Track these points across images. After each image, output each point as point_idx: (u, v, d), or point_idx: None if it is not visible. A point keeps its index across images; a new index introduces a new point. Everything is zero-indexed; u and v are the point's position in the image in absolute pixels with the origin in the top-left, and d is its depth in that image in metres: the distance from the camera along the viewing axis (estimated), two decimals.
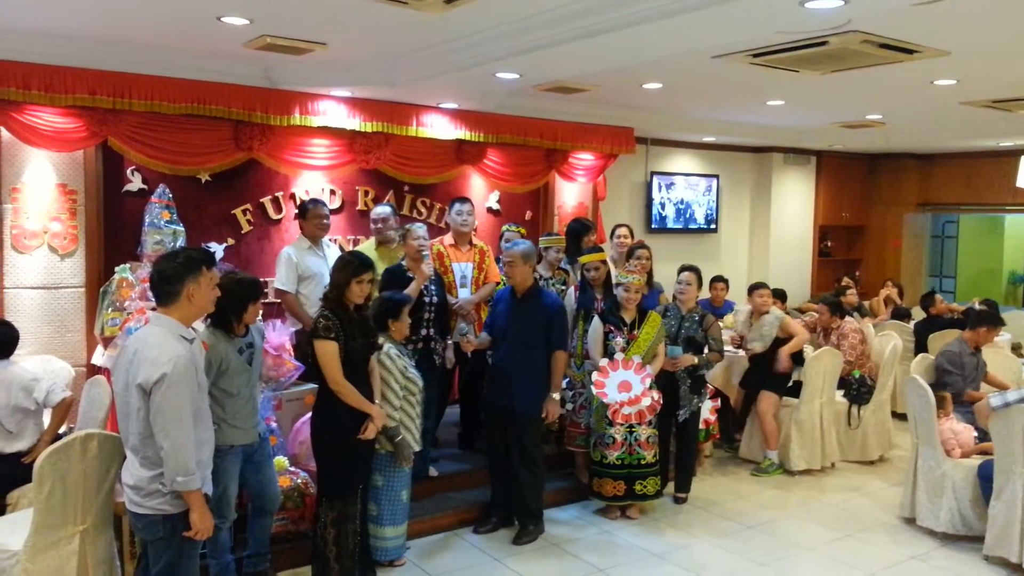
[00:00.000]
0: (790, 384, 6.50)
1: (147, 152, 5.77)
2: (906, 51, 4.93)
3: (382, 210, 5.87)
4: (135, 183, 5.95)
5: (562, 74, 5.81)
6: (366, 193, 7.00)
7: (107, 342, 5.12)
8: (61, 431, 4.51)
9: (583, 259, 5.74)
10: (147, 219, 5.45)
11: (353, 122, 6.50)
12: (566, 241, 6.22)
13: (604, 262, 5.72)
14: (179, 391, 3.02)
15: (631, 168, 8.98)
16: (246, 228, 6.44)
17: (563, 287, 5.93)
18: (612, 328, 5.34)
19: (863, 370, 6.79)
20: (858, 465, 6.70)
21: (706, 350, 5.68)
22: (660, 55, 4.97)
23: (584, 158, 8.02)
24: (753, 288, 6.56)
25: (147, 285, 5.17)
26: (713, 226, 9.85)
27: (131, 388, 3.05)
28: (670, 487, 5.84)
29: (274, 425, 4.77)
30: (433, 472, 5.50)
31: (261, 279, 4.47)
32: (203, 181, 6.19)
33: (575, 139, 7.76)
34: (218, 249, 6.14)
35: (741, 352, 6.85)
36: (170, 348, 3.04)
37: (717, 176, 9.82)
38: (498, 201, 7.81)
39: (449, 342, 5.50)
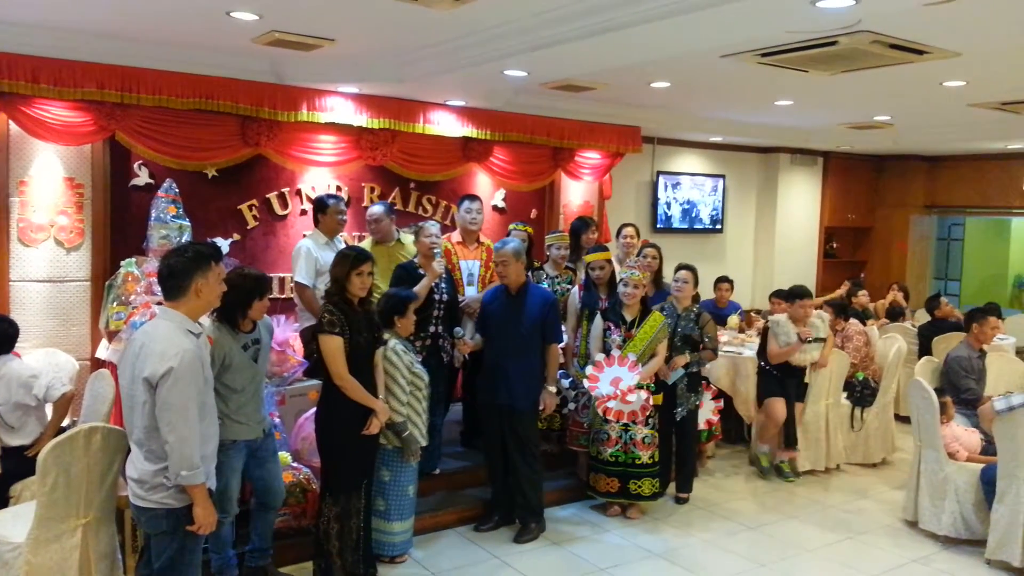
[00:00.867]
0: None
1: (154, 147, 5.78)
2: (916, 52, 4.91)
3: (376, 209, 5.83)
4: (142, 178, 5.96)
5: (570, 72, 5.81)
6: (372, 190, 7.00)
7: (112, 336, 5.13)
8: (64, 424, 4.52)
9: (587, 258, 5.74)
10: (153, 214, 5.46)
11: (360, 118, 6.50)
12: (569, 239, 6.22)
13: (609, 261, 5.72)
14: (185, 385, 3.03)
15: (637, 167, 8.97)
16: (252, 224, 6.44)
17: (569, 286, 5.93)
18: (611, 325, 5.34)
19: (867, 372, 6.78)
20: (861, 467, 6.70)
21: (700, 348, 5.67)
22: (669, 54, 4.96)
23: (590, 157, 8.02)
24: (795, 296, 6.26)
25: (153, 279, 5.19)
26: (719, 226, 9.83)
27: (137, 381, 3.06)
28: (672, 488, 5.83)
29: (277, 421, 4.78)
30: (436, 470, 5.50)
31: (268, 275, 4.47)
32: (209, 176, 6.20)
33: (582, 138, 7.75)
34: (224, 244, 6.19)
35: (746, 353, 6.84)
36: (177, 342, 3.05)
37: (723, 176, 9.80)
38: (504, 199, 7.81)
39: (456, 337, 5.50)
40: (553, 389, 5.11)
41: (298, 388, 5.13)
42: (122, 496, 3.91)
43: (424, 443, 4.60)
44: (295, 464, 4.72)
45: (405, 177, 7.08)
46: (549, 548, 4.96)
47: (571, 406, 5.64)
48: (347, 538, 4.17)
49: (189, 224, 5.52)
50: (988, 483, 4.90)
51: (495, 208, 7.78)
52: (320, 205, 5.76)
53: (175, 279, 3.17)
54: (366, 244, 5.82)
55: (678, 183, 9.40)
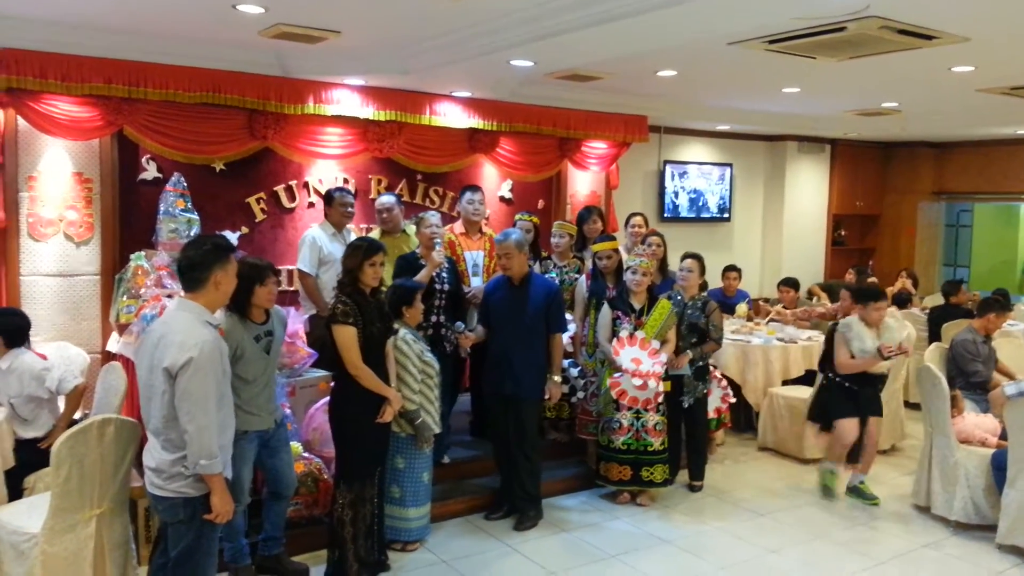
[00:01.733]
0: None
1: (162, 141, 5.80)
2: (925, 37, 4.88)
3: (386, 199, 5.87)
4: (150, 172, 5.98)
5: (577, 61, 5.80)
6: (379, 182, 7.01)
7: (122, 329, 5.16)
8: (76, 417, 4.55)
9: (594, 247, 5.74)
10: (162, 207, 5.49)
11: (367, 111, 6.51)
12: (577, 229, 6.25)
13: (616, 251, 5.72)
14: (205, 375, 3.07)
15: (644, 157, 8.95)
16: (260, 217, 6.47)
17: (577, 275, 5.93)
18: (620, 314, 5.35)
19: None
20: None
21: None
22: (676, 41, 4.95)
23: (597, 147, 8.01)
24: (867, 299, 5.59)
25: (162, 272, 5.23)
26: (726, 215, 9.82)
27: (156, 371, 3.09)
28: (684, 476, 5.85)
29: (288, 411, 4.80)
30: (445, 459, 5.53)
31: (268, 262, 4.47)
32: (217, 170, 6.22)
33: (588, 127, 7.74)
34: (232, 238, 6.20)
35: (755, 341, 6.83)
36: (197, 333, 3.10)
37: (730, 165, 9.78)
38: (511, 190, 7.80)
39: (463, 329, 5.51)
40: (558, 379, 5.12)
41: (308, 379, 5.15)
42: (135, 487, 3.96)
43: (438, 430, 4.64)
44: (307, 454, 4.74)
45: (412, 169, 7.09)
46: (559, 535, 4.99)
47: (580, 395, 5.65)
48: (360, 525, 4.20)
49: (198, 217, 5.55)
50: (999, 468, 4.89)
51: (502, 199, 7.78)
52: (327, 197, 5.93)
53: (195, 271, 3.22)
54: (374, 235, 5.85)
55: (685, 172, 9.39)
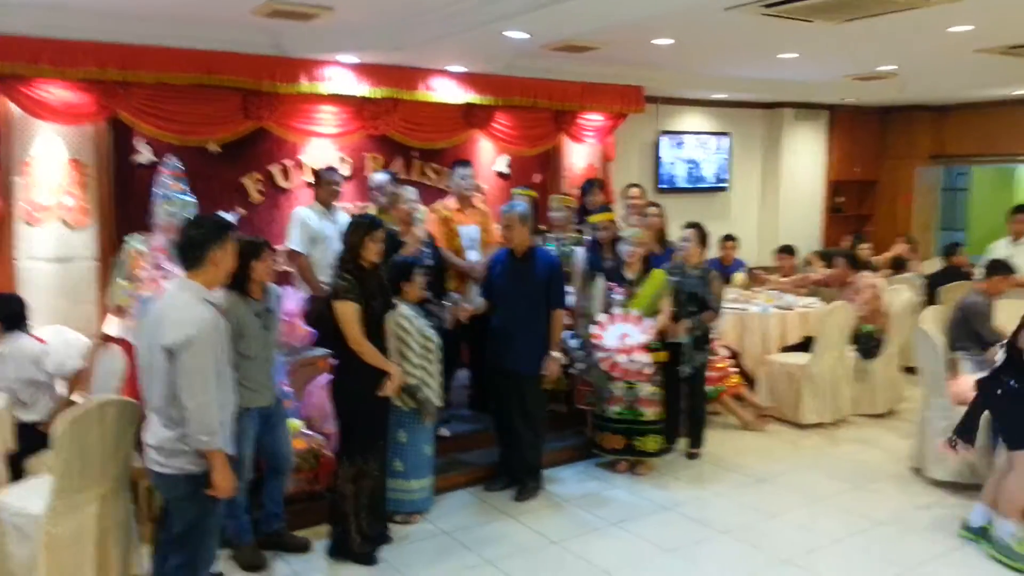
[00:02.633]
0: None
1: (156, 124, 5.81)
2: None
3: (380, 178, 5.88)
4: (145, 155, 5.98)
5: (572, 31, 5.74)
6: (375, 159, 7.00)
7: (120, 312, 5.18)
8: (73, 399, 4.60)
9: (591, 219, 5.74)
10: (158, 190, 5.49)
11: (361, 88, 6.50)
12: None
13: (613, 222, 5.72)
14: (204, 353, 3.11)
15: (640, 128, 8.91)
16: (256, 197, 6.48)
17: (576, 247, 5.94)
18: (613, 285, 5.36)
19: (875, 324, 6.77)
20: (868, 418, 6.73)
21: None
22: (672, 7, 4.92)
23: (593, 119, 7.98)
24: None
25: (160, 255, 5.24)
26: (724, 184, 9.79)
27: (155, 350, 3.13)
28: (682, 443, 5.89)
29: (287, 389, 4.84)
30: (445, 432, 5.58)
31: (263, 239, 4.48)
32: (212, 151, 6.22)
33: (584, 99, 7.71)
34: (229, 218, 6.21)
35: (752, 309, 6.85)
36: (196, 311, 3.14)
37: (728, 134, 9.74)
38: (507, 165, 7.79)
39: (446, 304, 5.53)
40: (557, 355, 5.14)
41: (307, 357, 5.18)
42: (136, 467, 4.00)
43: (440, 404, 4.69)
44: (307, 431, 4.79)
45: (408, 146, 7.08)
46: (559, 505, 5.04)
47: (580, 366, 5.68)
48: (362, 499, 4.26)
49: (194, 200, 5.54)
50: (994, 428, 4.91)
51: (499, 174, 7.77)
52: (315, 176, 5.99)
53: (194, 250, 3.26)
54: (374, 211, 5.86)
55: (681, 142, 9.35)
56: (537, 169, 7.99)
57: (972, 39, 6.35)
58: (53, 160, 5.58)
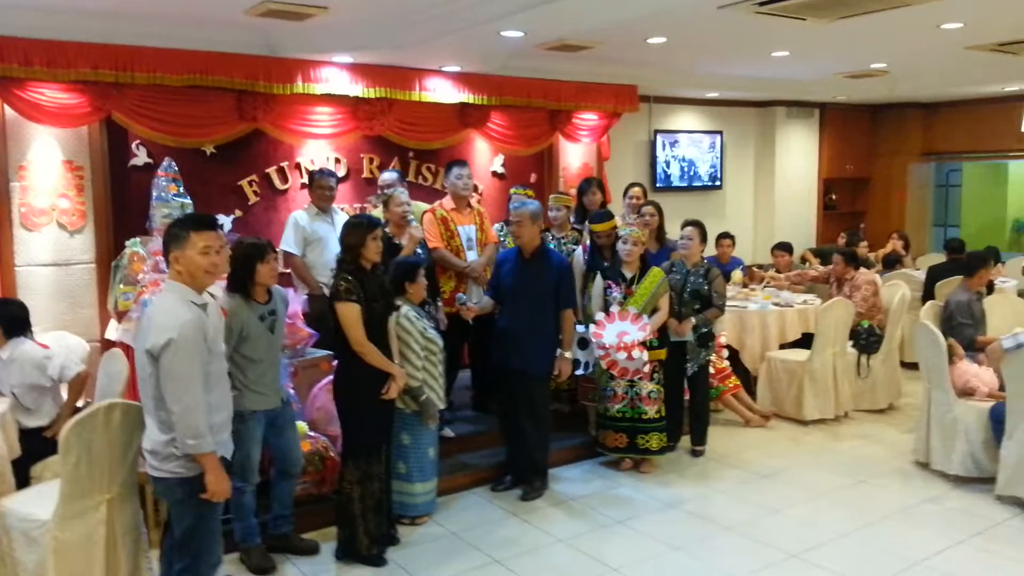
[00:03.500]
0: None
1: (151, 125, 5.77)
2: None
3: (389, 176, 5.90)
4: (140, 157, 5.95)
5: (568, 30, 5.76)
6: (371, 160, 6.99)
7: (121, 316, 5.15)
8: (79, 405, 4.56)
9: (593, 227, 5.71)
10: (155, 193, 5.45)
11: (356, 88, 6.47)
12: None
13: (614, 229, 5.70)
14: (186, 355, 3.07)
15: (635, 127, 8.93)
16: (253, 199, 6.44)
17: (575, 246, 5.94)
18: (611, 283, 5.36)
19: (874, 321, 6.81)
20: (869, 414, 6.76)
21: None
22: (666, 5, 4.93)
23: (588, 118, 7.99)
24: None
25: (158, 258, 5.21)
26: (718, 183, 9.82)
27: (142, 353, 3.11)
28: (686, 441, 5.90)
29: (291, 391, 4.82)
30: (449, 433, 5.57)
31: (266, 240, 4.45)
32: (208, 153, 6.19)
33: (578, 99, 7.71)
34: (226, 221, 6.21)
35: (751, 307, 6.87)
36: (177, 313, 3.10)
37: (721, 132, 9.77)
38: (503, 164, 7.79)
39: (440, 304, 5.52)
40: (569, 355, 5.13)
41: (310, 359, 5.16)
42: (143, 471, 3.97)
43: (442, 406, 4.66)
44: (312, 433, 4.77)
45: (403, 146, 7.07)
46: (565, 504, 5.03)
47: (582, 363, 5.65)
48: (369, 501, 4.22)
49: (191, 202, 5.52)
50: (997, 421, 4.96)
51: (495, 174, 7.76)
52: (309, 179, 6.04)
53: (164, 254, 3.28)
54: (379, 213, 5.82)
55: (676, 141, 9.37)
56: (533, 169, 7.99)
57: (962, 36, 6.40)
58: (49, 163, 5.53)
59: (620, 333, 5.17)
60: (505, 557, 4.34)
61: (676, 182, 9.40)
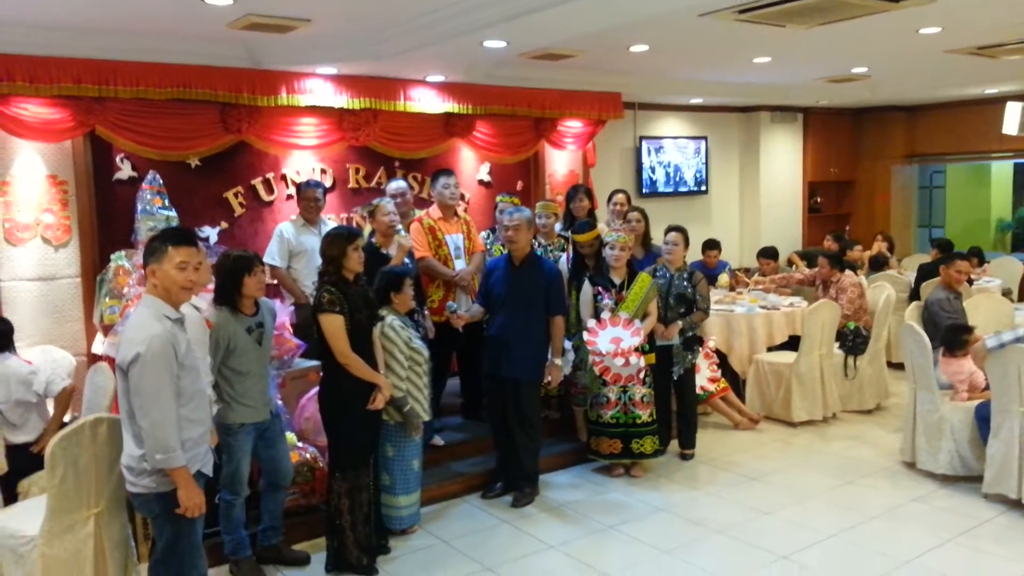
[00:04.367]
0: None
1: (135, 139, 5.75)
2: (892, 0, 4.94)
3: (399, 185, 5.92)
4: (125, 171, 5.92)
5: (550, 39, 5.79)
6: (357, 171, 6.99)
7: (107, 330, 5.13)
8: (66, 420, 4.54)
9: (576, 238, 5.72)
10: (139, 206, 5.43)
11: (340, 99, 6.48)
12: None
13: (598, 238, 5.71)
14: (154, 370, 3.04)
15: (620, 134, 8.97)
16: (239, 211, 6.43)
17: (561, 253, 5.96)
18: (600, 290, 5.38)
19: (859, 323, 6.86)
20: (857, 415, 6.80)
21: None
22: (647, 14, 4.96)
23: (573, 125, 8.02)
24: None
25: (144, 272, 5.20)
26: (703, 188, 9.87)
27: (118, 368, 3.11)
28: (675, 445, 5.91)
29: (280, 403, 4.81)
30: (439, 441, 5.57)
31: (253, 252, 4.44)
32: (193, 166, 6.18)
33: (563, 107, 7.74)
34: (212, 233, 6.20)
35: (738, 310, 6.90)
36: (147, 328, 3.08)
37: (705, 138, 9.83)
38: (489, 173, 7.80)
39: (427, 312, 5.52)
40: (559, 362, 5.14)
41: (298, 370, 5.15)
42: None
43: (427, 418, 4.63)
44: (301, 444, 4.75)
45: (389, 156, 7.07)
46: (556, 510, 5.04)
47: (570, 369, 5.66)
48: (358, 512, 4.21)
49: (176, 215, 5.50)
50: (983, 420, 5.00)
51: (481, 182, 7.78)
52: (296, 189, 6.13)
53: (143, 266, 3.26)
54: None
55: (661, 147, 9.42)
56: (519, 176, 8.01)
57: (941, 40, 6.47)
58: (33, 178, 5.51)
59: (615, 339, 5.18)
60: (497, 564, 4.34)
61: (662, 188, 9.44)
